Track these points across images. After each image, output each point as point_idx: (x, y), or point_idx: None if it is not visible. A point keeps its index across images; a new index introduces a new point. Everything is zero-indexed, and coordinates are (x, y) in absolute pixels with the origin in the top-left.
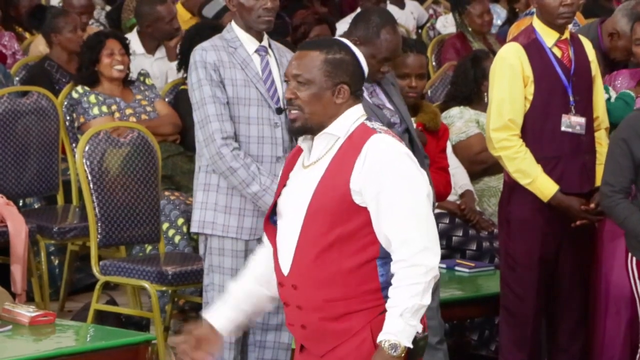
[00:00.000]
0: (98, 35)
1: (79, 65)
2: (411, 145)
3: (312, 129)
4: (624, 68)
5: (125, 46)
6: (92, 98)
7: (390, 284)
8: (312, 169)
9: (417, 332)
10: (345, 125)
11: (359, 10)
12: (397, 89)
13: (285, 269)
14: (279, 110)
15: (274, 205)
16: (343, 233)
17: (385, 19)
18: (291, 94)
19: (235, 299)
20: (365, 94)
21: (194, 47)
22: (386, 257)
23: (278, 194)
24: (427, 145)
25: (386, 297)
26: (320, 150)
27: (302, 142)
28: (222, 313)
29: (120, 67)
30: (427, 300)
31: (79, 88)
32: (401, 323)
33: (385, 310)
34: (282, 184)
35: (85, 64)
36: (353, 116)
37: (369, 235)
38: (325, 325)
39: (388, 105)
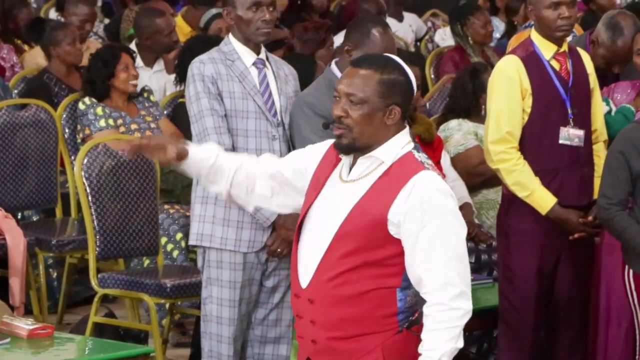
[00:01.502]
0: (112, 49)
1: (89, 79)
2: None
3: (359, 148)
4: (615, 78)
5: (134, 59)
6: (99, 110)
7: (407, 310)
8: (350, 187)
9: None
10: (392, 152)
11: None
12: None
13: (304, 282)
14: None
15: (305, 212)
16: (369, 259)
17: (376, 21)
18: (342, 112)
19: (214, 155)
20: None
21: (190, 60)
22: (407, 287)
23: (309, 202)
24: None
25: (402, 320)
26: (362, 170)
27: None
28: (198, 149)
29: (136, 81)
30: (460, 343)
31: (86, 99)
32: None
33: (399, 332)
34: (317, 189)
35: (100, 77)
36: (401, 142)
37: (396, 266)
38: (336, 343)
39: None
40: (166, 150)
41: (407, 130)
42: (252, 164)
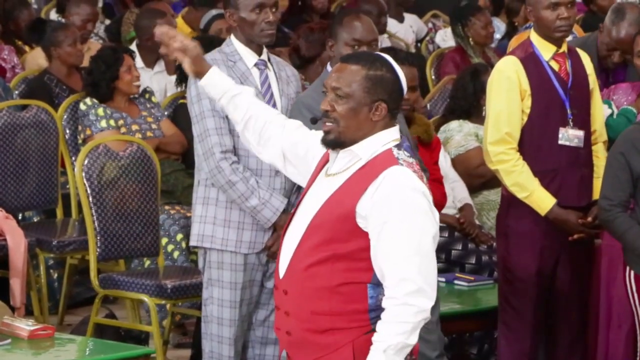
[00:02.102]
0: (115, 51)
1: (91, 81)
2: None
3: (345, 143)
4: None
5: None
6: (101, 111)
7: (379, 308)
8: (331, 180)
9: None
10: (371, 148)
11: None
12: None
13: (281, 273)
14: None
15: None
16: (339, 251)
17: (349, 12)
18: (328, 106)
19: (235, 88)
20: None
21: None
22: (378, 283)
23: (303, 196)
24: (420, 157)
25: (373, 318)
26: (342, 164)
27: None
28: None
29: (139, 82)
30: (413, 340)
31: (88, 100)
32: (383, 359)
33: (370, 331)
34: (308, 187)
35: (104, 80)
36: (384, 139)
37: (366, 261)
38: (308, 336)
39: None
40: (184, 57)
41: (395, 128)
42: (272, 122)
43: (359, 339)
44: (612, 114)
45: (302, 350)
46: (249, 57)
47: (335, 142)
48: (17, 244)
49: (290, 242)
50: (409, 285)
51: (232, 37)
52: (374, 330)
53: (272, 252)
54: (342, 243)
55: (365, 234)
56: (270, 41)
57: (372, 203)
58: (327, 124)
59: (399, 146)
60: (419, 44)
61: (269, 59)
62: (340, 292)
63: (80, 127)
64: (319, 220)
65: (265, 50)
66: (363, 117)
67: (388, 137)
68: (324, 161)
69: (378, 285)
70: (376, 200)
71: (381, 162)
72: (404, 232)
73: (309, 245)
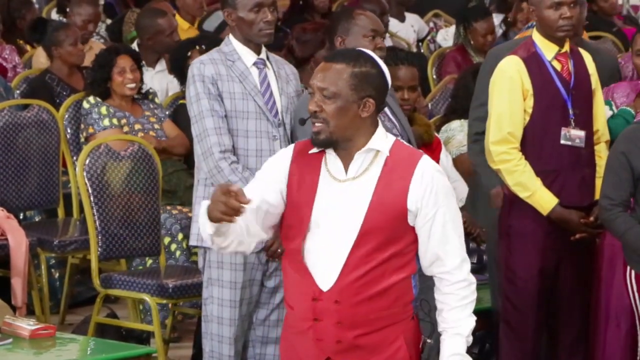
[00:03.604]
0: (109, 52)
1: (91, 80)
2: None
3: (336, 142)
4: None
5: (137, 60)
6: (104, 109)
7: (418, 294)
8: (352, 184)
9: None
10: (383, 140)
11: None
12: (396, 101)
13: (326, 285)
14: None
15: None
16: (395, 251)
17: (354, 8)
18: (316, 107)
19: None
20: None
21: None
22: (417, 272)
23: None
24: None
25: (416, 307)
26: (359, 166)
27: (328, 154)
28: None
29: (132, 85)
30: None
31: (91, 98)
32: (465, 344)
33: (413, 317)
34: (310, 197)
35: (98, 80)
36: (382, 131)
37: (410, 253)
38: (362, 339)
39: (389, 114)
40: None
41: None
42: (248, 227)
43: (407, 327)
44: (612, 116)
45: (354, 353)
46: (247, 56)
47: (327, 142)
48: (19, 243)
49: (329, 253)
50: (467, 265)
51: (231, 36)
52: (416, 315)
53: (271, 252)
54: (396, 242)
55: (412, 228)
56: (268, 41)
57: (420, 197)
58: (317, 124)
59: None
60: (420, 44)
61: (267, 58)
62: (394, 290)
63: (82, 126)
64: (370, 224)
65: (264, 49)
66: (352, 114)
67: (383, 129)
68: (312, 167)
69: (416, 274)
70: (424, 192)
71: (406, 155)
72: (452, 217)
73: (364, 252)
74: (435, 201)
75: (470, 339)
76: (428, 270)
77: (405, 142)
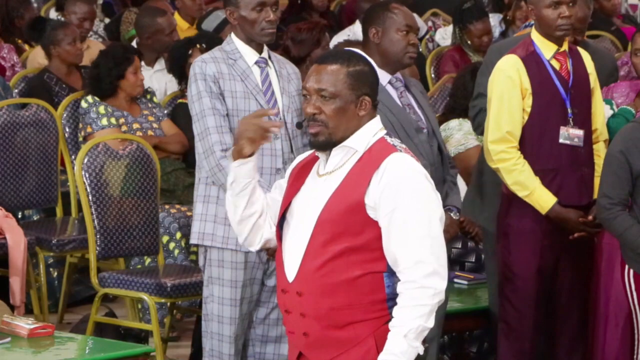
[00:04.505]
0: (125, 50)
1: (95, 75)
2: (439, 151)
3: (336, 143)
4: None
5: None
6: (102, 109)
7: (396, 296)
8: (327, 178)
9: (419, 354)
10: (364, 139)
11: (357, 21)
12: (425, 97)
13: (291, 276)
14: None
15: (285, 210)
16: (353, 244)
17: (388, 2)
18: (315, 109)
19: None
20: (395, 95)
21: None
22: (393, 271)
23: (289, 200)
24: None
25: (391, 307)
26: (337, 161)
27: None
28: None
29: (142, 86)
30: (431, 323)
31: (89, 98)
32: (405, 344)
33: (390, 320)
34: (295, 190)
35: (111, 77)
36: (372, 130)
37: (380, 250)
38: (328, 333)
39: (416, 108)
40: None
41: (377, 118)
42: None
43: (380, 329)
44: (613, 115)
45: (322, 349)
46: (249, 55)
47: (326, 144)
48: (17, 242)
49: (295, 243)
50: (425, 268)
51: (233, 35)
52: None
53: (272, 251)
54: (355, 235)
55: (377, 223)
56: (270, 40)
57: (379, 192)
58: (316, 127)
59: (388, 134)
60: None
61: (269, 57)
62: (358, 284)
63: (81, 125)
64: (327, 215)
65: (265, 48)
66: (350, 114)
67: (376, 127)
68: (308, 167)
69: (393, 274)
70: (382, 188)
71: (379, 151)
72: (414, 216)
73: (320, 242)
74: (395, 198)
75: (417, 344)
76: (393, 269)
77: (395, 140)
